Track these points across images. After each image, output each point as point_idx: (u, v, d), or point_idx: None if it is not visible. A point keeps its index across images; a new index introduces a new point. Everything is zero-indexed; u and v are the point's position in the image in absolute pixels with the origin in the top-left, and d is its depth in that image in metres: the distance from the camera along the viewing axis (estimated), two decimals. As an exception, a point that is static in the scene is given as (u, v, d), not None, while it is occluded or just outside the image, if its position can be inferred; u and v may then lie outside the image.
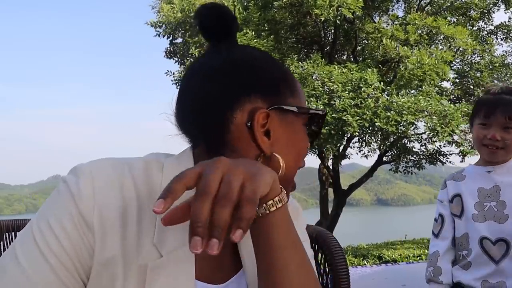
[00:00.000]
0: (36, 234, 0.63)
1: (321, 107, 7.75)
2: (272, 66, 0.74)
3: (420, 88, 8.42)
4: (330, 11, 7.70)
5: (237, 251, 0.74)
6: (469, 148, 8.66)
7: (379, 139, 8.83)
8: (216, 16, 0.72)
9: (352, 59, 10.22)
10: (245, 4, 9.53)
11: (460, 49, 9.45)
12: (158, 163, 0.70)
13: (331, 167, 11.50)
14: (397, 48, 8.48)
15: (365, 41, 10.27)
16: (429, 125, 7.95)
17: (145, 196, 0.66)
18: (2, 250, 1.35)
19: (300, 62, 8.63)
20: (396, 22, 9.65)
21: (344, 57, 11.05)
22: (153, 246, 0.64)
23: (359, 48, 10.43)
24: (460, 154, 9.05)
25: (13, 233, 1.38)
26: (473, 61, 10.61)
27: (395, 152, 10.05)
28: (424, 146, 9.70)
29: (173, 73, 10.12)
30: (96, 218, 0.63)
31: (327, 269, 0.90)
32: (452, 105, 8.30)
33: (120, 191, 0.65)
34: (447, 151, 9.73)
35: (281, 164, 0.69)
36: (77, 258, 0.63)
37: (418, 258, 6.82)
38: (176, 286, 0.64)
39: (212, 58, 0.72)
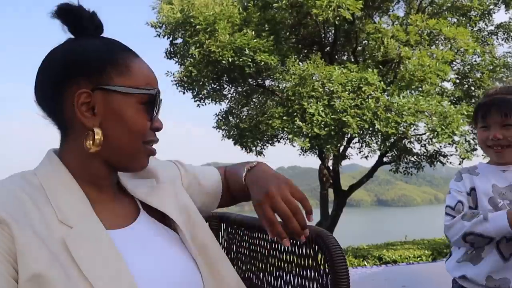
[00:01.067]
0: None
1: (321, 109, 7.74)
2: (101, 52, 0.82)
3: (420, 89, 8.41)
4: (329, 11, 7.69)
5: (132, 200, 0.91)
6: (466, 151, 8.64)
7: (379, 140, 8.83)
8: (68, 16, 0.83)
9: (353, 60, 10.21)
10: (245, 4, 9.52)
11: (461, 49, 9.44)
12: (29, 171, 0.82)
13: (331, 168, 11.51)
14: (398, 48, 8.48)
15: (366, 41, 10.26)
16: (429, 126, 7.94)
17: (33, 193, 0.77)
18: None
19: (300, 63, 8.62)
20: (396, 23, 9.65)
21: (344, 58, 11.05)
22: (60, 223, 0.75)
23: (359, 48, 10.43)
24: (459, 156, 9.05)
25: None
26: (473, 62, 10.60)
27: (395, 152, 10.05)
28: (424, 147, 9.71)
29: (173, 74, 10.13)
30: (3, 213, 0.72)
31: (327, 270, 0.89)
32: (452, 106, 8.30)
33: (12, 194, 0.76)
34: (447, 152, 9.74)
35: (97, 137, 0.79)
36: (6, 252, 0.70)
37: (419, 258, 6.81)
38: (97, 242, 0.76)
39: (55, 50, 0.84)
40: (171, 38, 9.89)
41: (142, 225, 0.87)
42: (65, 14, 0.83)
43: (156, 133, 0.88)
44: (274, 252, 1.08)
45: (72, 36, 0.85)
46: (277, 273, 1.08)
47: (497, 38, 10.91)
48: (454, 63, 10.16)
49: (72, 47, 0.83)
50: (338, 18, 8.08)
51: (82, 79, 0.79)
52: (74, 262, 0.71)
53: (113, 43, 0.86)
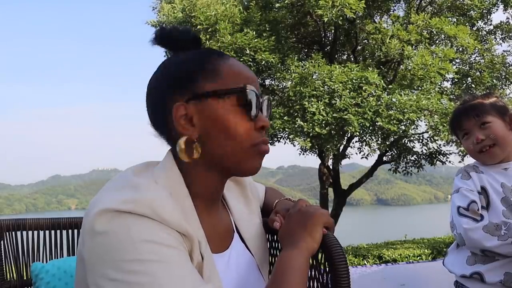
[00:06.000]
0: None
1: (322, 108, 7.74)
2: (188, 62, 0.82)
3: (420, 88, 8.41)
4: (333, 11, 7.66)
5: (228, 216, 0.95)
6: None
7: (379, 138, 8.83)
8: (169, 35, 0.86)
9: (353, 59, 10.20)
10: (246, 4, 9.51)
11: (461, 48, 9.43)
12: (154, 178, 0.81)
13: (331, 167, 11.50)
14: (402, 47, 8.44)
15: (366, 41, 10.25)
16: (430, 123, 7.94)
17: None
18: (2, 250, 1.35)
19: (300, 62, 8.60)
20: (397, 22, 9.63)
21: (344, 57, 11.04)
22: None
23: (359, 48, 10.42)
24: (460, 153, 9.04)
25: (13, 233, 1.38)
26: (473, 60, 10.59)
27: (395, 152, 10.04)
28: (425, 146, 9.70)
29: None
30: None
31: (327, 269, 0.90)
32: (452, 103, 8.30)
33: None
34: (447, 150, 9.73)
35: (197, 149, 0.80)
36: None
37: (418, 258, 6.83)
38: (207, 265, 0.77)
39: (156, 70, 0.87)
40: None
41: (235, 251, 0.90)
42: (162, 38, 0.86)
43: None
44: (275, 252, 1.09)
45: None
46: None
47: (495, 38, 10.90)
48: (454, 62, 10.15)
49: (167, 63, 0.86)
50: (341, 17, 8.05)
51: (177, 92, 0.80)
52: None
53: (202, 52, 0.86)
